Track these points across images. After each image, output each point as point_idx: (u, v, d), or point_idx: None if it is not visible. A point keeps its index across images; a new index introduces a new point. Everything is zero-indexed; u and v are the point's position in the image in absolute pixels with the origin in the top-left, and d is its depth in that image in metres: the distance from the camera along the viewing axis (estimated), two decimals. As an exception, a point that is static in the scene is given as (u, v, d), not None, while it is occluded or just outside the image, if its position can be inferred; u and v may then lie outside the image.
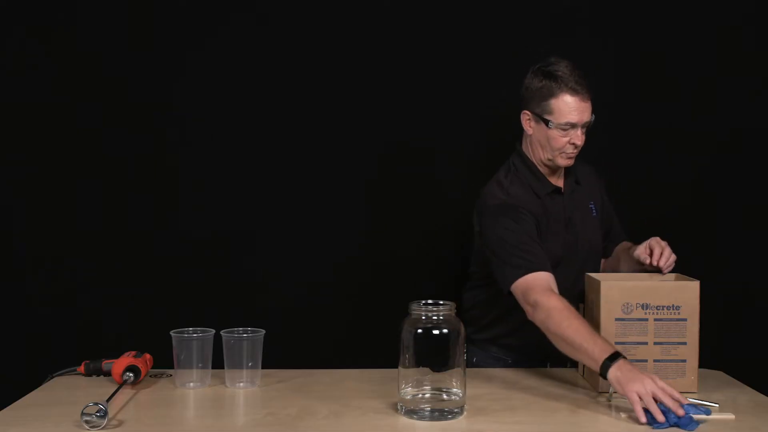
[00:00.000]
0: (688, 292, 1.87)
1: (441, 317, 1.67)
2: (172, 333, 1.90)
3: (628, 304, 1.86)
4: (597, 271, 2.16)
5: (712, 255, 2.68)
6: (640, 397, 1.65)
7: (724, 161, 2.73)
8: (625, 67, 2.71)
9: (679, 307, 1.86)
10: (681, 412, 1.62)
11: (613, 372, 1.72)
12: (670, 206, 2.72)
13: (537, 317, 1.90)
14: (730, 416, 1.68)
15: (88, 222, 2.69)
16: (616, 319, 1.86)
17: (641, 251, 2.03)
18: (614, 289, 1.87)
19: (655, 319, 1.86)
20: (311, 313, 2.72)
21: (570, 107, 2.04)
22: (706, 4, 2.69)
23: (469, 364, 1.87)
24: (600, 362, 1.74)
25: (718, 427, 1.62)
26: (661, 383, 1.67)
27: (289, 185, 2.71)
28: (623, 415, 1.69)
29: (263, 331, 1.91)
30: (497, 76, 2.61)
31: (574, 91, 2.03)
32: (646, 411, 1.62)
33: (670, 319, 1.86)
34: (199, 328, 1.91)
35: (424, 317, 1.67)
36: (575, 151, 2.10)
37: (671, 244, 2.06)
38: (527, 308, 1.94)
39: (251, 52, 2.69)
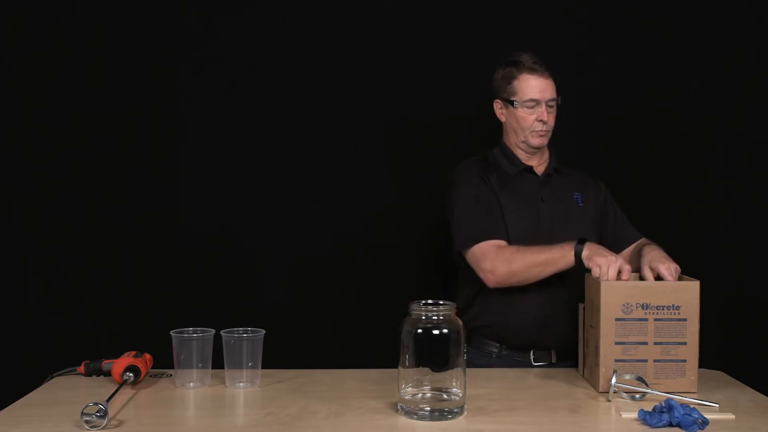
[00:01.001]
0: (688, 292, 1.87)
1: (441, 317, 1.67)
2: (172, 333, 1.90)
3: (628, 304, 1.86)
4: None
5: (712, 255, 2.68)
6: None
7: (724, 161, 2.73)
8: (623, 65, 2.71)
9: (679, 307, 1.86)
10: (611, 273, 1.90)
11: (585, 252, 1.99)
12: (670, 206, 2.72)
13: (499, 276, 2.10)
14: (730, 416, 1.68)
15: (87, 222, 2.69)
16: (617, 319, 1.86)
17: (648, 276, 1.98)
18: (614, 289, 1.87)
19: (655, 319, 1.86)
20: (311, 312, 2.72)
21: (530, 85, 2.20)
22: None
23: None
24: (573, 252, 2.00)
25: (718, 427, 1.61)
26: (622, 261, 1.92)
27: (289, 186, 2.72)
28: (623, 415, 1.69)
29: (263, 331, 1.91)
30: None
31: (532, 70, 2.20)
32: (646, 415, 1.62)
33: (670, 319, 1.86)
34: (199, 328, 1.91)
35: (424, 317, 1.67)
36: (544, 128, 2.22)
37: (671, 243, 2.06)
38: (486, 276, 2.12)
39: (250, 51, 2.70)
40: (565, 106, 2.29)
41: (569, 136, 2.62)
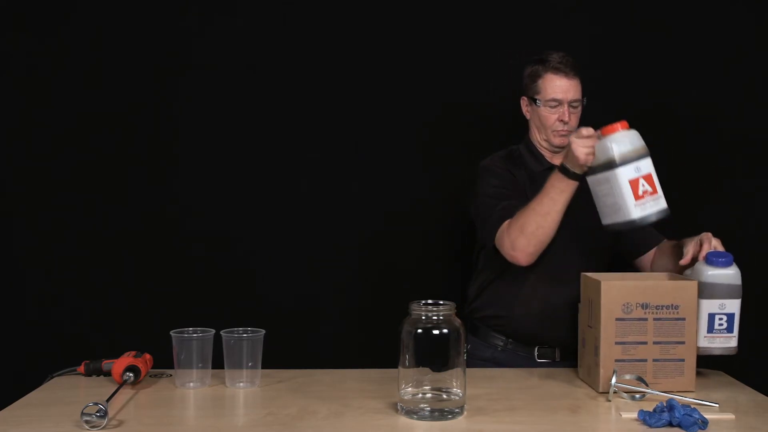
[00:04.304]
0: (687, 292, 1.87)
1: (441, 317, 1.67)
2: (172, 333, 1.90)
3: (628, 303, 1.86)
4: (598, 261, 2.20)
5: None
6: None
7: (725, 161, 2.74)
8: (623, 65, 2.71)
9: (677, 306, 1.86)
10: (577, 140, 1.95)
11: (570, 170, 1.98)
12: (669, 205, 2.71)
13: (521, 247, 2.05)
14: (730, 416, 1.68)
15: (88, 222, 2.69)
16: (617, 319, 1.86)
17: (692, 247, 2.01)
18: (614, 288, 1.87)
19: (654, 319, 1.86)
20: (311, 313, 2.72)
21: (554, 84, 2.21)
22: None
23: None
24: (561, 176, 2.00)
25: (718, 427, 1.62)
26: (577, 131, 1.96)
27: (289, 185, 2.72)
28: (623, 415, 1.69)
29: (263, 331, 1.91)
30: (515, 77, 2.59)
31: (556, 70, 2.21)
32: (646, 415, 1.62)
33: (669, 319, 1.86)
34: (199, 328, 1.91)
35: (424, 317, 1.67)
36: (565, 128, 2.22)
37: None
38: (514, 256, 2.08)
39: (250, 51, 2.70)
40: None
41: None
